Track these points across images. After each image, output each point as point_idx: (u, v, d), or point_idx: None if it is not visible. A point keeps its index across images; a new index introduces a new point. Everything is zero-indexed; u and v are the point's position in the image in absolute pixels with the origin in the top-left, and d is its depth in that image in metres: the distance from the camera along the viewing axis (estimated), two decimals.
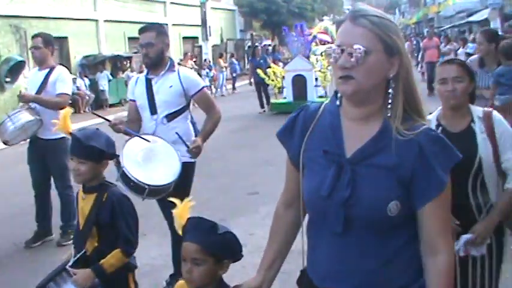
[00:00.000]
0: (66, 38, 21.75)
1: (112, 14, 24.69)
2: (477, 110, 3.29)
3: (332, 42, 20.89)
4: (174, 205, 3.77)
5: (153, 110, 4.80)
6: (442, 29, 38.60)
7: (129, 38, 26.03)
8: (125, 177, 4.25)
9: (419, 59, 24.10)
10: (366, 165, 1.97)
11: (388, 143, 1.95)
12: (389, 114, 1.96)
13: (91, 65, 22.70)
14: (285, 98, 17.72)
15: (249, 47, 36.88)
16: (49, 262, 5.35)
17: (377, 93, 1.99)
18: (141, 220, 6.94)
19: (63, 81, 6.44)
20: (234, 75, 27.59)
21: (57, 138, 6.24)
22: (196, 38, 32.26)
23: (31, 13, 19.74)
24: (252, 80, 19.83)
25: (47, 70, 6.40)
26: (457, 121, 3.29)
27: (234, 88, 27.37)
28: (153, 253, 5.76)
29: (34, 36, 6.58)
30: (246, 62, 32.59)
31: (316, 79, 17.37)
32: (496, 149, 3.20)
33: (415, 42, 28.98)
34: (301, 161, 2.14)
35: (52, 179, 6.71)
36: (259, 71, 17.55)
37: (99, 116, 5.27)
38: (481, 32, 6.32)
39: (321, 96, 16.99)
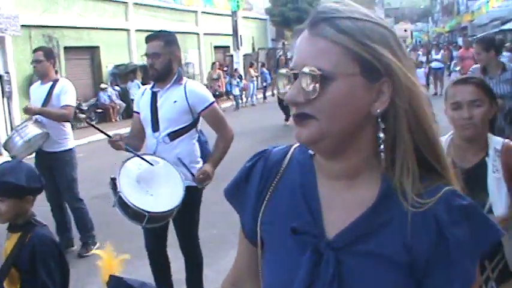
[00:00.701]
0: (97, 47, 21.94)
1: (143, 24, 24.81)
2: (496, 141, 2.59)
3: None
4: (186, 229, 3.62)
5: (155, 127, 4.39)
6: (475, 37, 38.01)
7: None
8: (122, 203, 3.95)
9: (451, 69, 23.76)
10: (357, 253, 1.27)
11: (392, 217, 1.26)
12: (392, 173, 1.27)
13: (122, 74, 22.85)
14: None
15: (280, 56, 36.88)
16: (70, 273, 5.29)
17: (359, 139, 1.28)
18: None
19: (67, 93, 6.39)
20: (265, 84, 27.51)
21: (62, 150, 6.31)
22: (228, 47, 32.29)
23: (63, 23, 19.96)
24: (275, 91, 19.25)
25: (50, 83, 6.42)
26: (471, 154, 2.61)
27: (264, 98, 27.28)
28: (173, 266, 5.58)
29: (35, 50, 6.62)
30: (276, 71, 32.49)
31: None
32: None
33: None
34: (258, 234, 1.44)
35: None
36: None
37: (99, 130, 4.83)
38: (477, 42, 6.29)
39: None
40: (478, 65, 5.83)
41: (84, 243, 6.60)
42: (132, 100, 22.31)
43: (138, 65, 23.50)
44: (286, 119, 16.93)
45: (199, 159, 4.48)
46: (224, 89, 22.82)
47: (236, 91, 24.67)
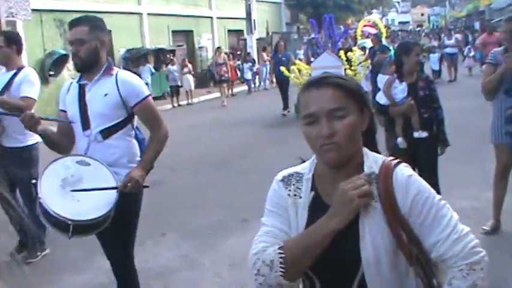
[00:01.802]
0: (109, 31, 21.82)
1: (156, 8, 24.76)
2: (373, 160, 1.93)
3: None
4: (119, 243, 3.26)
5: (86, 125, 3.75)
6: (493, 21, 37.45)
7: (173, 32, 26.12)
8: (43, 211, 3.39)
9: (465, 54, 23.34)
10: None
11: None
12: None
13: (134, 59, 22.80)
14: None
15: (294, 40, 36.62)
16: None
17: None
18: (162, 218, 6.95)
19: (30, 83, 5.65)
20: None
21: (22, 147, 5.67)
22: (242, 31, 32.10)
23: (75, 7, 19.91)
24: (274, 78, 18.78)
25: (14, 71, 5.69)
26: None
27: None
28: (170, 254, 5.61)
29: None
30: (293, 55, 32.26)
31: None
32: (400, 232, 1.79)
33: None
34: None
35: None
36: (282, 68, 15.59)
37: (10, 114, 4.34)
38: (505, 20, 5.68)
39: None
40: (499, 48, 5.52)
41: (30, 248, 5.96)
42: (145, 84, 22.42)
43: (150, 49, 23.48)
44: (285, 108, 16.51)
45: (139, 159, 3.86)
46: (230, 74, 22.32)
47: (248, 75, 24.57)
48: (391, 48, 16.44)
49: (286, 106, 16.62)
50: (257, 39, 30.99)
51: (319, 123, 1.83)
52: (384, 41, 17.33)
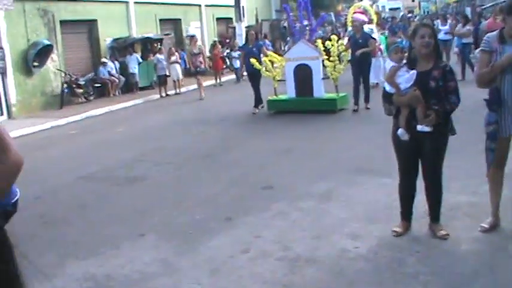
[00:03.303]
0: (95, 20, 21.39)
1: None
2: None
3: (369, 23, 18.97)
4: None
5: None
6: (484, 7, 37.12)
7: (161, 20, 25.61)
8: None
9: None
10: None
11: None
12: None
13: (121, 48, 22.31)
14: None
15: (284, 27, 36.14)
16: None
17: None
18: (141, 217, 6.61)
19: None
20: None
21: None
22: (231, 19, 31.60)
23: None
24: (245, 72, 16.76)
25: None
26: None
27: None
28: (147, 257, 5.28)
29: None
30: (282, 43, 31.86)
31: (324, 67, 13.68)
32: None
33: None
34: None
35: None
36: (253, 60, 13.86)
37: None
38: (501, 7, 5.41)
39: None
40: (493, 33, 5.17)
41: None
42: (132, 74, 22.12)
43: (137, 38, 23.00)
44: (256, 105, 14.48)
45: None
46: (206, 65, 20.72)
47: (237, 64, 24.10)
48: (373, 36, 15.93)
49: (257, 102, 14.53)
50: (246, 27, 30.52)
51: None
52: (366, 29, 16.58)
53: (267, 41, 27.70)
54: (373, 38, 14.28)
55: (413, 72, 4.94)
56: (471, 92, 7.01)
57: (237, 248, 5.31)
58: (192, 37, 21.20)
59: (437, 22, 25.00)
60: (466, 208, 5.90)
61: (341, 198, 6.64)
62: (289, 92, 13.89)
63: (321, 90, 13.50)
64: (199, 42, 28.17)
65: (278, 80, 14.16)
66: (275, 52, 17.24)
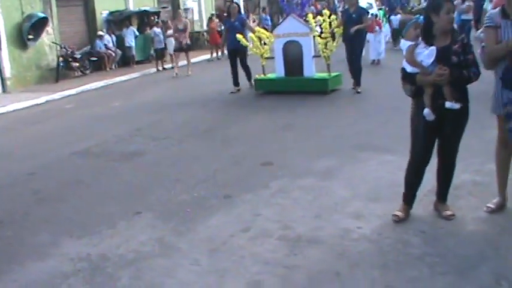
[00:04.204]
0: None
1: None
2: None
3: None
4: None
5: None
6: None
7: None
8: None
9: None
10: None
11: None
12: None
13: (117, 21, 21.96)
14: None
15: (282, 0, 35.70)
16: None
17: None
18: (138, 195, 6.44)
19: None
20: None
21: None
22: None
23: None
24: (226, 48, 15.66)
25: None
26: None
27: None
28: (143, 237, 5.11)
29: None
30: (280, 17, 31.47)
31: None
32: None
33: None
34: None
35: None
36: (239, 36, 13.11)
37: None
38: None
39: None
40: (495, 10, 4.99)
41: None
42: (128, 47, 21.77)
43: (134, 11, 22.64)
44: (236, 84, 13.81)
45: None
46: (189, 42, 18.28)
47: None
48: (370, 11, 15.34)
49: (236, 82, 13.79)
50: (244, 0, 30.12)
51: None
52: (365, 3, 15.81)
53: (264, 15, 27.38)
54: (368, 13, 13.40)
55: (433, 47, 4.68)
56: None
57: (236, 227, 5.15)
58: (178, 12, 19.74)
59: None
60: (470, 187, 5.75)
61: (343, 176, 6.47)
62: (277, 71, 13.04)
63: (311, 70, 12.59)
64: (191, 16, 27.81)
65: (266, 58, 13.32)
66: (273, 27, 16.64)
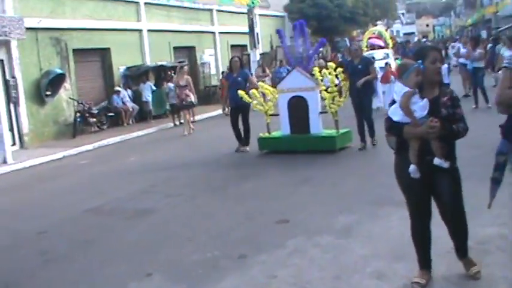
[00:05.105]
0: (108, 49, 21.32)
1: (156, 24, 24.16)
2: None
3: (385, 47, 17.91)
4: None
5: None
6: (500, 30, 36.71)
7: (174, 48, 25.54)
8: None
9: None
10: None
11: None
12: None
13: (134, 76, 22.16)
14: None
15: (288, 53, 35.92)
16: None
17: None
18: (149, 255, 6.20)
19: None
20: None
21: None
22: (245, 46, 31.48)
23: (72, 25, 19.37)
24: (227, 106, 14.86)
25: None
26: None
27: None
28: None
29: None
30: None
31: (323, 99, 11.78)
32: None
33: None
34: None
35: None
36: (241, 92, 12.19)
37: None
38: None
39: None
40: None
41: None
42: (145, 102, 21.79)
43: (151, 66, 22.84)
44: (246, 144, 12.87)
45: None
46: (193, 99, 17.80)
47: None
48: (389, 61, 15.15)
49: (240, 140, 12.85)
50: (261, 54, 30.34)
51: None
52: (382, 54, 15.53)
53: (282, 68, 27.43)
54: (374, 62, 12.75)
55: (426, 99, 4.40)
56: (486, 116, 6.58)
57: None
58: (182, 68, 18.81)
59: (457, 45, 23.94)
60: (498, 241, 5.44)
61: (362, 233, 6.19)
62: (283, 128, 12.10)
63: (318, 127, 11.69)
64: (208, 71, 27.89)
65: (271, 115, 12.38)
66: None
